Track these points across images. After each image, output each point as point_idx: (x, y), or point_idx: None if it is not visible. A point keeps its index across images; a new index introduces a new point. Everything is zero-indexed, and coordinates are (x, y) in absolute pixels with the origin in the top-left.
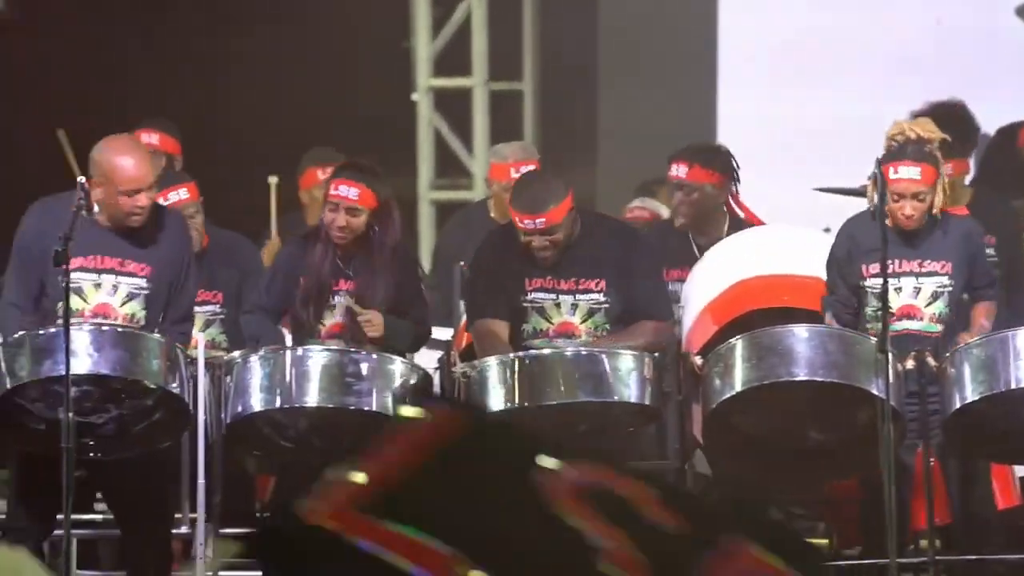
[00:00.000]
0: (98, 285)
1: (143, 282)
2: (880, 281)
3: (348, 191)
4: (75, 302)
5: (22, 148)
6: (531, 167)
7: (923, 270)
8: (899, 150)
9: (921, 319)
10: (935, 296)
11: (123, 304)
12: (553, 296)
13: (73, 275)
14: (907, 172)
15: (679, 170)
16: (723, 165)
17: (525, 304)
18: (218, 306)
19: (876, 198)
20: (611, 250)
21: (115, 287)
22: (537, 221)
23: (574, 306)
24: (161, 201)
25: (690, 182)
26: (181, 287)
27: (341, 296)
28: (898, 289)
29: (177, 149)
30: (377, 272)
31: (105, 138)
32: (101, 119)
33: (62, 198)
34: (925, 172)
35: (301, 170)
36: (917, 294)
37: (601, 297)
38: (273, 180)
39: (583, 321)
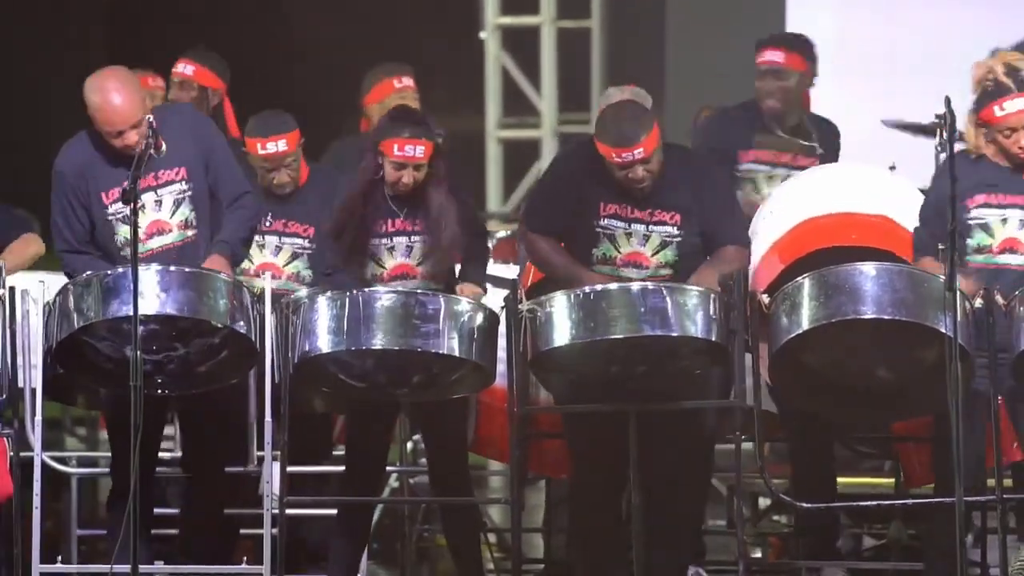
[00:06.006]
0: (143, 207)
1: (184, 185)
2: (986, 211)
3: (415, 150)
4: (127, 230)
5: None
6: None
7: None
8: (997, 87)
9: None
10: None
11: (173, 214)
12: (625, 225)
13: (117, 207)
14: (1014, 105)
15: (774, 55)
16: (811, 55)
17: (597, 229)
18: (307, 240)
19: (946, 137)
20: (686, 181)
21: (158, 202)
22: (635, 152)
23: (646, 237)
24: (259, 149)
25: (786, 67)
26: (218, 166)
27: (403, 237)
28: (1004, 220)
29: (216, 83)
30: (442, 209)
31: (91, 75)
32: None
33: (83, 137)
34: None
35: (371, 84)
36: (1022, 227)
37: (674, 231)
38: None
39: (654, 253)
